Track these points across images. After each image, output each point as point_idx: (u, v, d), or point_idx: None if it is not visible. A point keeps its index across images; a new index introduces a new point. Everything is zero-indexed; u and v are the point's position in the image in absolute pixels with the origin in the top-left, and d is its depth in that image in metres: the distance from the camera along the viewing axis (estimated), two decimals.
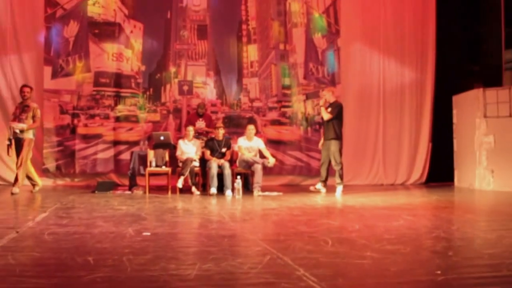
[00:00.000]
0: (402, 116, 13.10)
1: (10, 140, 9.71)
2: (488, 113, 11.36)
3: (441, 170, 12.81)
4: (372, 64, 13.06)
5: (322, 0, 12.99)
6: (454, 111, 12.61)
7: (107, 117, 12.11)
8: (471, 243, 5.34)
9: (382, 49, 13.05)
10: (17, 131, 9.71)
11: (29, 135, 9.84)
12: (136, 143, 12.02)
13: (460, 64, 13.21)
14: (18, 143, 9.76)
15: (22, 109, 9.93)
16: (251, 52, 12.81)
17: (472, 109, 11.69)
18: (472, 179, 11.74)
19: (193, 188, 10.17)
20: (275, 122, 12.68)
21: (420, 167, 13.06)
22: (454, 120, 12.60)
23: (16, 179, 9.75)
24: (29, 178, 10.05)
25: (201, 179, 10.57)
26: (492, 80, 12.12)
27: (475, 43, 13.18)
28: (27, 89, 10.06)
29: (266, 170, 10.73)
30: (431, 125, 13.13)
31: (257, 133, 11.31)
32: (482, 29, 13.09)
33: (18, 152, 9.74)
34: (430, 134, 13.12)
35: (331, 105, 10.60)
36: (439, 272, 3.96)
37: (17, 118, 9.87)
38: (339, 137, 10.56)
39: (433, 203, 8.99)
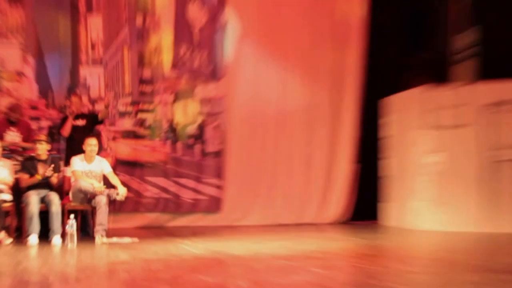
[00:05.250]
0: (313, 130, 13.69)
1: None
2: (433, 122, 12.00)
3: (364, 204, 13.53)
4: (271, 62, 13.51)
5: None
6: (383, 121, 13.26)
7: None
8: None
9: (287, 42, 13.58)
10: None
11: None
12: None
13: (395, 55, 13.87)
14: None
15: None
16: (93, 27, 12.79)
17: (409, 117, 12.40)
18: (406, 215, 12.41)
19: (2, 234, 9.98)
20: (129, 135, 12.79)
21: (335, 200, 13.72)
22: (383, 133, 13.28)
23: None
24: None
25: (15, 220, 10.48)
26: (440, 75, 12.81)
27: (417, 24, 13.90)
28: None
29: (115, 206, 10.78)
30: (352, 142, 13.79)
31: (101, 151, 11.36)
32: (427, 5, 13.84)
33: None
34: (350, 154, 13.77)
35: None
36: None
37: None
38: None
39: (353, 249, 9.42)
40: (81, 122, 11.41)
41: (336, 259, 8.46)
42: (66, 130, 11.30)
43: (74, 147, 10.97)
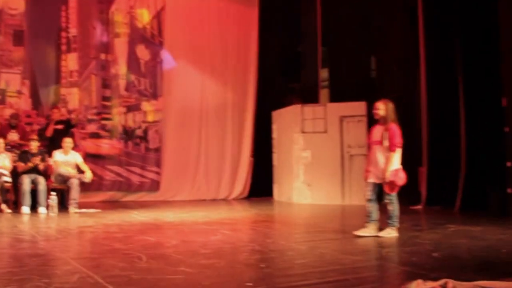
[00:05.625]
0: (225, 132, 13.54)
1: None
2: (305, 128, 12.05)
3: (262, 184, 13.36)
4: (195, 79, 13.33)
5: (147, 11, 13.03)
6: (274, 126, 13.22)
7: None
8: (284, 255, 5.60)
9: (206, 65, 13.44)
10: None
11: None
12: None
13: (281, 82, 13.96)
14: None
15: None
16: (71, 61, 12.42)
17: (291, 124, 12.34)
18: (290, 193, 12.36)
19: (3, 206, 9.69)
20: (94, 135, 12.41)
21: (241, 181, 13.54)
22: (274, 135, 13.21)
23: None
24: None
25: (12, 195, 10.09)
26: (310, 97, 12.91)
27: (295, 61, 13.97)
28: None
29: (84, 186, 10.51)
30: (252, 140, 13.71)
31: (75, 147, 11.01)
32: (302, 48, 13.93)
33: None
34: (251, 149, 13.67)
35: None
36: (250, 284, 4.11)
37: None
38: None
39: (252, 217, 9.37)
40: (60, 126, 11.09)
41: (241, 224, 8.45)
42: (49, 132, 10.99)
43: (55, 144, 10.65)
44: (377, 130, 6.76)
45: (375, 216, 6.66)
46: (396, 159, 6.57)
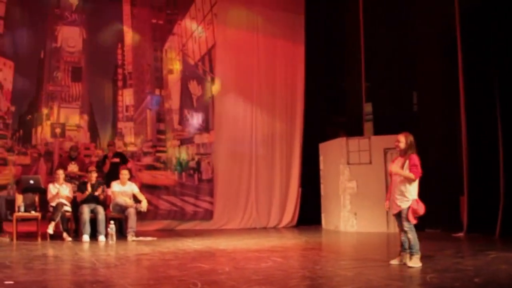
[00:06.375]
0: (274, 162, 13.80)
1: None
2: (350, 160, 12.26)
3: (310, 213, 13.53)
4: (245, 113, 13.70)
5: (198, 48, 13.48)
6: (321, 158, 13.44)
7: None
8: (331, 281, 5.81)
9: (254, 99, 13.77)
10: None
11: None
12: (3, 187, 11.51)
13: (327, 115, 14.33)
14: None
15: None
16: (127, 96, 12.92)
17: (337, 156, 12.53)
18: (337, 221, 12.50)
19: (64, 234, 10.00)
20: (150, 167, 12.83)
21: (290, 210, 13.74)
22: (321, 166, 13.42)
23: None
24: None
25: (73, 224, 10.48)
26: (355, 130, 13.17)
27: (340, 96, 14.37)
28: None
29: (141, 215, 10.80)
30: (300, 171, 13.91)
31: (132, 178, 11.38)
32: (346, 84, 14.28)
33: None
34: (299, 179, 13.88)
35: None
36: None
37: None
38: None
39: (302, 245, 9.56)
40: (116, 159, 11.54)
41: (290, 251, 8.61)
42: (106, 168, 11.48)
43: (112, 175, 11.08)
44: (398, 162, 6.90)
45: (407, 245, 6.74)
46: (414, 187, 6.69)
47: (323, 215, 13.37)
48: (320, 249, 9.22)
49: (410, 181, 6.66)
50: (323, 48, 14.37)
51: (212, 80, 13.48)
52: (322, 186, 13.42)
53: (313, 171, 13.59)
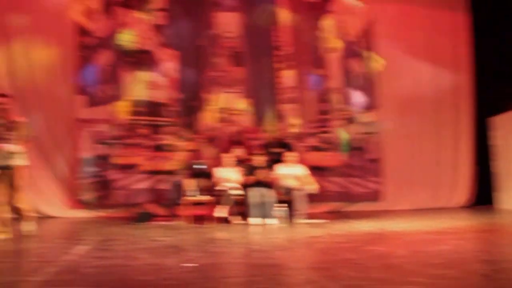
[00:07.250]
0: (441, 139, 13.37)
1: None
2: None
3: (481, 193, 12.92)
4: (407, 89, 13.27)
5: (356, 25, 13.25)
6: (495, 133, 12.59)
7: (143, 147, 12.22)
8: None
9: (416, 74, 13.38)
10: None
11: (22, 161, 7.68)
12: (173, 172, 12.00)
13: (499, 86, 13.19)
14: (5, 172, 7.57)
15: (7, 126, 7.60)
16: (287, 78, 12.90)
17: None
18: None
19: (232, 217, 10.17)
20: (315, 148, 12.72)
21: (461, 190, 13.24)
22: (495, 141, 12.58)
23: (21, 215, 7.81)
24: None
25: (241, 207, 10.63)
26: None
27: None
28: (4, 99, 7.74)
29: (309, 197, 10.73)
30: (473, 147, 13.28)
31: (297, 160, 11.32)
32: None
33: (7, 184, 7.61)
34: (473, 156, 13.22)
35: None
36: None
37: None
38: None
39: (477, 226, 8.97)
40: (277, 150, 11.42)
41: (466, 233, 8.05)
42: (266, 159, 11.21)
43: (278, 157, 11.01)
44: None
45: None
46: None
47: (497, 194, 12.49)
48: (498, 230, 8.56)
49: None
50: (491, 15, 13.32)
51: (373, 56, 13.05)
52: (495, 163, 12.55)
53: (482, 147, 12.85)
